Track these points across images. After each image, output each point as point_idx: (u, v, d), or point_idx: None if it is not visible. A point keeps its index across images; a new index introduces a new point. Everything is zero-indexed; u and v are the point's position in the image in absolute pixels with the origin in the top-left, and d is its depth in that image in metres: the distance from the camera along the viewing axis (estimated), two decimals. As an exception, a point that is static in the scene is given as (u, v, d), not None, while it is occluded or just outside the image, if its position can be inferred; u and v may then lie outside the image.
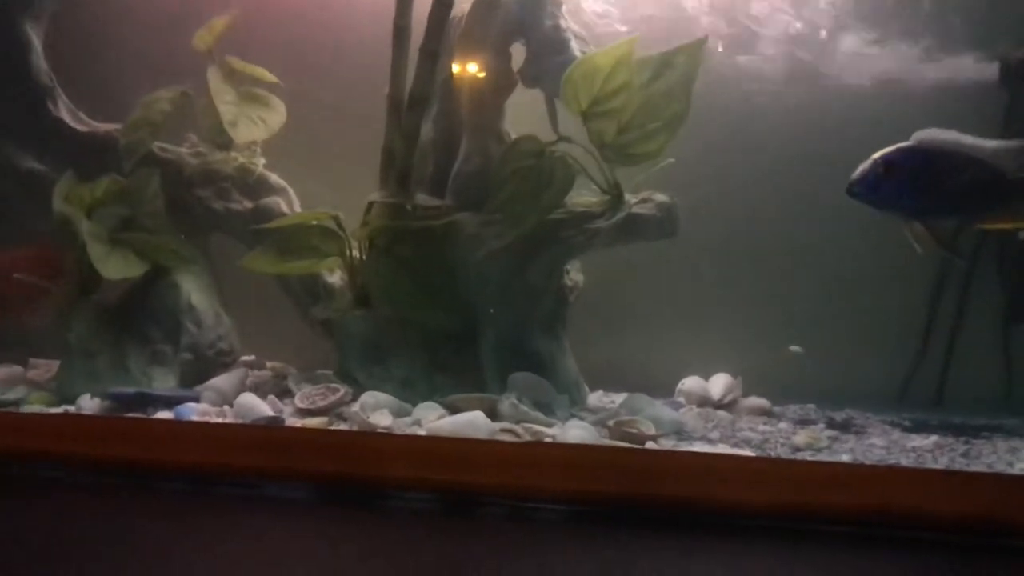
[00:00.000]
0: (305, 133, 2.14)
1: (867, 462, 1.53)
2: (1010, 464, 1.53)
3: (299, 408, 1.76)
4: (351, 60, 2.18)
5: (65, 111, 2.12)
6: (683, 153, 1.77)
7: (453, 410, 1.71)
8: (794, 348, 2.01)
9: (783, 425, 1.83)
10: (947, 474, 1.33)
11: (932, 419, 1.89)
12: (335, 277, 2.04)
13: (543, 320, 1.91)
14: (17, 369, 2.10)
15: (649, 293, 2.15)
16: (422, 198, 1.90)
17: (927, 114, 1.63)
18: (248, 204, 2.09)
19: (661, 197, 1.82)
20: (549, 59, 1.86)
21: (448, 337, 1.86)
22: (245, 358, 2.18)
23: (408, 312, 1.85)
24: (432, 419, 1.66)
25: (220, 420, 1.71)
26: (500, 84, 1.91)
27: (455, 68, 1.92)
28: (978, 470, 1.49)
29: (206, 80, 2.05)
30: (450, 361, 1.85)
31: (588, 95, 1.74)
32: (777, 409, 1.98)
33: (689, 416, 1.83)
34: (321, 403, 1.76)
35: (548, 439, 1.59)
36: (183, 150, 2.13)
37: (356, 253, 1.91)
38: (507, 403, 1.69)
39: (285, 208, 2.08)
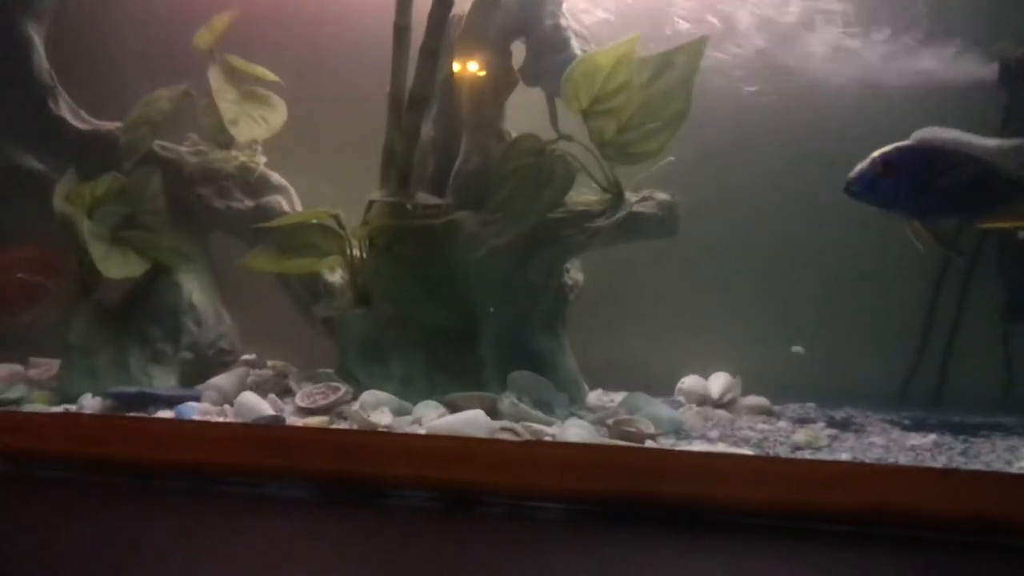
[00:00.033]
0: (305, 132, 2.14)
1: (866, 461, 1.54)
2: (1009, 463, 1.53)
3: (300, 407, 1.76)
4: (351, 60, 2.18)
5: (66, 110, 2.12)
6: (683, 152, 1.77)
7: (453, 409, 1.71)
8: (796, 349, 2.02)
9: (782, 424, 1.83)
10: (946, 473, 1.33)
11: (931, 418, 1.90)
12: (336, 276, 2.04)
13: (543, 319, 1.91)
14: (18, 368, 2.11)
15: (648, 292, 2.15)
16: (422, 197, 1.91)
17: (927, 113, 1.63)
18: (249, 203, 2.10)
19: (662, 195, 1.83)
20: (549, 58, 1.86)
21: (448, 336, 1.86)
22: (246, 357, 2.18)
23: (408, 311, 1.86)
24: (432, 418, 1.66)
25: (221, 419, 1.71)
26: (500, 83, 1.91)
27: (455, 67, 1.92)
28: (977, 468, 1.49)
29: (207, 79, 2.05)
30: (450, 360, 1.86)
31: (588, 94, 1.74)
32: (776, 408, 1.98)
33: (688, 415, 1.83)
34: (322, 402, 1.76)
35: (548, 438, 1.59)
36: (184, 149, 2.13)
37: (356, 252, 1.92)
38: (507, 402, 1.70)
39: (286, 207, 2.09)
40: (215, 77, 2.06)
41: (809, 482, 1.30)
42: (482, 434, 1.57)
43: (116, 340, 1.96)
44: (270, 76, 2.11)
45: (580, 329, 1.98)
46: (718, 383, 2.03)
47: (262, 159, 2.13)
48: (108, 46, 2.27)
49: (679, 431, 1.71)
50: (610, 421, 1.67)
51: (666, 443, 1.63)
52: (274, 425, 1.63)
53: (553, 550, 1.21)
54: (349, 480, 1.42)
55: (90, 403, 1.82)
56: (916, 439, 1.68)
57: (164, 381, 1.95)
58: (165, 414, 1.74)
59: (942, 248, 1.62)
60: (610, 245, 1.84)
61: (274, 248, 1.94)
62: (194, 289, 2.05)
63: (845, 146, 1.63)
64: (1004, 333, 2.05)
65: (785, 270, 2.11)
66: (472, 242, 1.84)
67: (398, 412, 1.71)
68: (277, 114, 2.09)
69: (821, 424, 1.83)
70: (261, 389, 1.91)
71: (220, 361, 2.05)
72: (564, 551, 1.20)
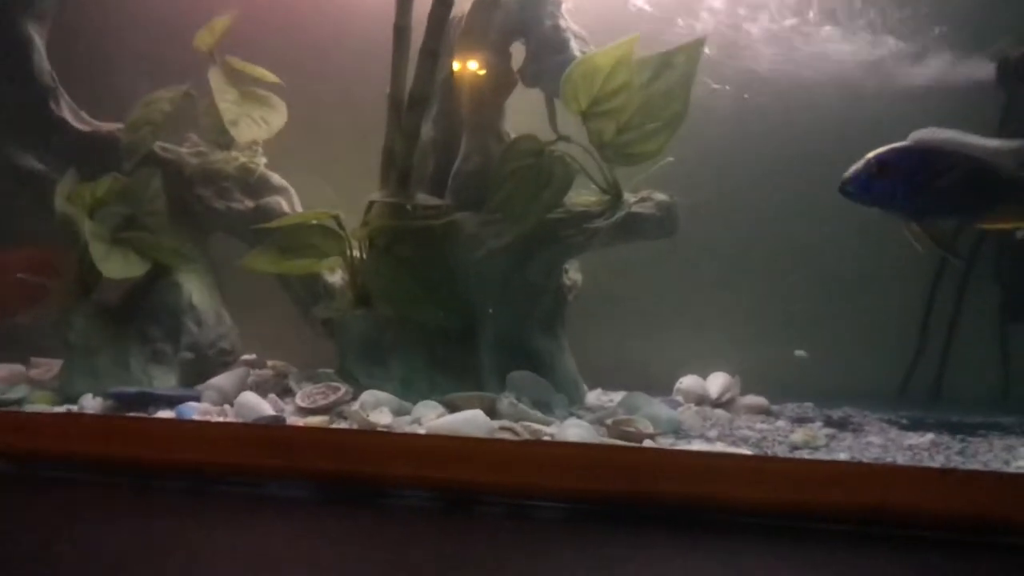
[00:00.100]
0: (305, 132, 2.15)
1: (864, 460, 1.54)
2: (1006, 462, 1.53)
3: (300, 407, 1.77)
4: (351, 60, 2.19)
5: (67, 110, 2.12)
6: (682, 152, 1.78)
7: (452, 408, 1.71)
8: (799, 353, 2.02)
9: (781, 423, 1.84)
10: (943, 472, 1.33)
11: (929, 417, 1.90)
12: (335, 276, 2.04)
13: (542, 319, 1.91)
14: (19, 368, 2.11)
15: (647, 292, 2.16)
16: (422, 197, 1.91)
17: (926, 113, 1.63)
18: (249, 203, 2.10)
19: (660, 196, 1.83)
20: (549, 58, 1.86)
21: (447, 336, 1.86)
22: (246, 357, 2.19)
23: (408, 311, 1.86)
24: (432, 417, 1.67)
25: (221, 419, 1.72)
26: (500, 83, 1.91)
27: (455, 67, 1.92)
28: (974, 468, 1.50)
29: (207, 80, 2.06)
30: (449, 360, 1.86)
31: (588, 95, 1.75)
32: (775, 407, 1.99)
33: (687, 415, 1.84)
34: (322, 402, 1.76)
35: (547, 437, 1.59)
36: (184, 150, 2.13)
37: (356, 252, 1.92)
38: (506, 402, 1.70)
39: (286, 207, 2.09)
40: (215, 78, 2.06)
41: (807, 481, 1.30)
42: (481, 434, 1.57)
43: (117, 340, 1.96)
44: (270, 77, 2.11)
45: (579, 329, 1.98)
46: (717, 383, 2.03)
47: (262, 160, 2.13)
48: (109, 47, 2.27)
49: (678, 431, 1.72)
50: (609, 421, 1.67)
51: (665, 443, 1.63)
52: (274, 425, 1.64)
53: (552, 549, 1.21)
54: (349, 480, 1.43)
55: (91, 403, 1.82)
56: (914, 439, 1.69)
57: (164, 381, 1.95)
58: (165, 414, 1.74)
59: (940, 250, 1.62)
60: (609, 246, 1.85)
61: (274, 249, 1.94)
62: (194, 289, 2.05)
63: (844, 146, 1.64)
64: (1002, 333, 2.05)
65: (783, 270, 2.11)
66: (471, 243, 1.85)
67: (398, 412, 1.72)
68: (277, 115, 2.09)
69: (819, 424, 1.83)
70: (261, 389, 1.92)
71: (220, 361, 2.06)
72: (563, 550, 1.21)
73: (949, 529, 1.25)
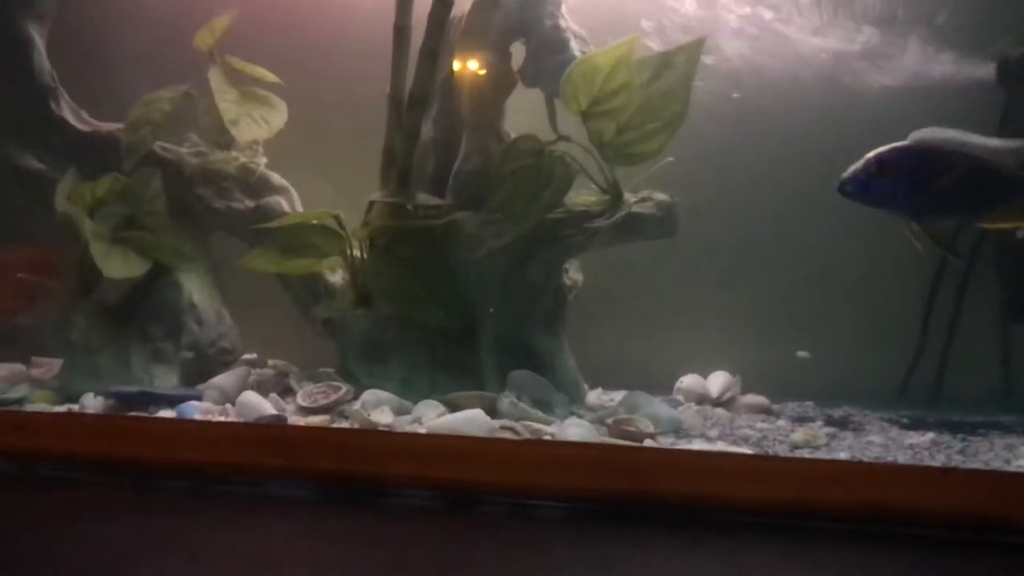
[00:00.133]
0: (305, 132, 2.15)
1: (865, 459, 1.54)
2: (1007, 461, 1.53)
3: (301, 406, 1.77)
4: (351, 60, 2.19)
5: (67, 110, 2.12)
6: (683, 153, 1.78)
7: (453, 408, 1.72)
8: (802, 354, 2.02)
9: (781, 423, 1.84)
10: (944, 471, 1.33)
11: (929, 416, 1.90)
12: (336, 276, 2.04)
13: (542, 318, 1.91)
14: (20, 368, 2.11)
15: (647, 291, 2.16)
16: (422, 197, 1.91)
17: (926, 113, 1.63)
18: (249, 203, 2.10)
19: (660, 196, 1.83)
20: (549, 58, 1.86)
21: (448, 335, 1.87)
22: (247, 356, 2.19)
23: (408, 311, 1.86)
24: (432, 417, 1.67)
25: (222, 419, 1.72)
26: (500, 83, 1.91)
27: (455, 67, 1.92)
28: (975, 467, 1.50)
29: (207, 80, 2.06)
30: (450, 359, 1.86)
31: (588, 95, 1.75)
32: (775, 407, 1.99)
33: (688, 414, 1.84)
34: (323, 401, 1.77)
35: (547, 437, 1.59)
36: (184, 150, 2.13)
37: (357, 252, 1.92)
38: (507, 401, 1.70)
39: (286, 207, 2.09)
40: (215, 78, 2.06)
41: (808, 480, 1.30)
42: (482, 433, 1.58)
43: (117, 339, 1.96)
44: (270, 77, 2.11)
45: (579, 329, 1.98)
46: (717, 382, 2.03)
47: (262, 160, 2.13)
48: (109, 47, 2.27)
49: (678, 430, 1.72)
50: (609, 420, 1.67)
51: (665, 442, 1.63)
52: (275, 424, 1.64)
53: (553, 548, 1.21)
54: (350, 479, 1.43)
55: (92, 403, 1.82)
56: (914, 438, 1.69)
57: (165, 380, 1.95)
58: (166, 414, 1.74)
59: (940, 250, 1.62)
60: (609, 245, 1.85)
61: (275, 248, 1.94)
62: (195, 289, 2.05)
63: (844, 146, 1.64)
64: (1003, 332, 2.06)
65: (783, 270, 2.11)
66: (472, 242, 1.85)
67: (399, 411, 1.72)
68: (277, 115, 2.09)
69: (820, 423, 1.83)
70: (262, 388, 1.92)
71: (221, 360, 2.06)
72: (564, 549, 1.21)
73: (950, 528, 1.25)
